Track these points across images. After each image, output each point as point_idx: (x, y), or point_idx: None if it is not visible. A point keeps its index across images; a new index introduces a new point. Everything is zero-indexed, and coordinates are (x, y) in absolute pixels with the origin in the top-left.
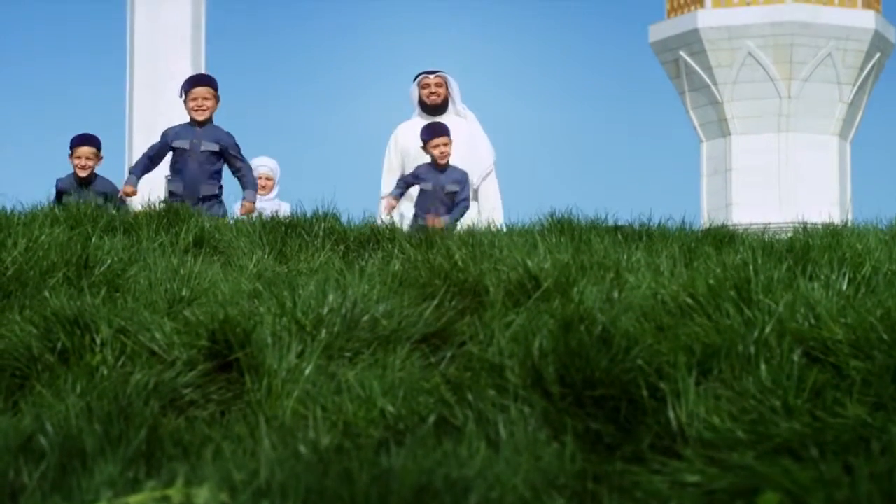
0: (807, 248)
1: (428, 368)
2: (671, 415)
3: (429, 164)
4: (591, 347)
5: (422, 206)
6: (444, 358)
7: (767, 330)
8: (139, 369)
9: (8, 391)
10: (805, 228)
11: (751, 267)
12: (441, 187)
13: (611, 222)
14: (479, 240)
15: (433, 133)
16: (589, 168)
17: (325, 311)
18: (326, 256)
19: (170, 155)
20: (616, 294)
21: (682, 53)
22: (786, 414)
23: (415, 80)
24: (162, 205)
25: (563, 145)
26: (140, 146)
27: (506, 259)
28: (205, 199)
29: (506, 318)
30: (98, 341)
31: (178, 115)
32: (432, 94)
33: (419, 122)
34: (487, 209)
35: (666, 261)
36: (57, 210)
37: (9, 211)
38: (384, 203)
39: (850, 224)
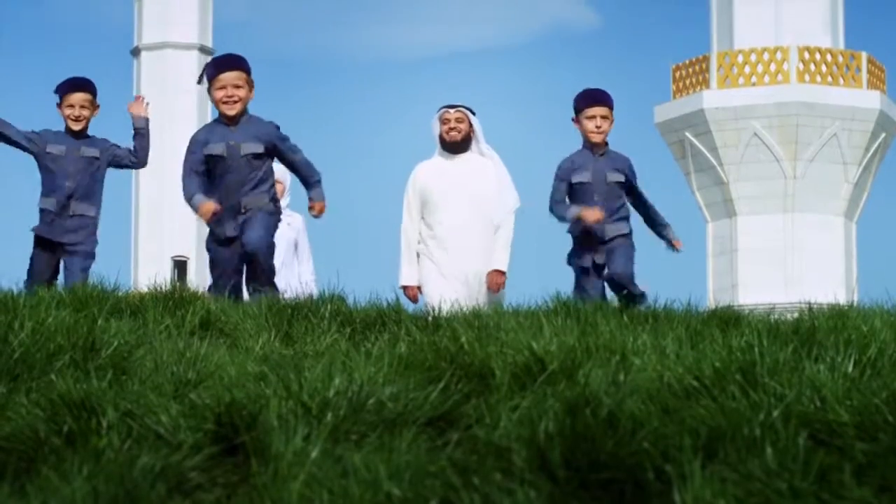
0: (812, 330)
1: (434, 451)
2: (677, 498)
3: (581, 149)
4: (597, 430)
5: (582, 201)
6: (450, 441)
7: (773, 413)
8: (145, 452)
9: (14, 474)
10: (811, 309)
11: (756, 349)
12: (602, 176)
13: (617, 304)
14: (485, 322)
15: (591, 99)
16: None
17: (332, 393)
18: (332, 339)
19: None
20: (622, 377)
21: (687, 134)
22: (792, 497)
23: (436, 113)
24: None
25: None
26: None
27: (511, 342)
28: (247, 211)
29: (512, 401)
30: (104, 424)
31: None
32: (452, 129)
33: (439, 161)
34: (496, 248)
35: (672, 343)
36: (62, 292)
37: (14, 293)
38: (593, 214)
39: (855, 305)
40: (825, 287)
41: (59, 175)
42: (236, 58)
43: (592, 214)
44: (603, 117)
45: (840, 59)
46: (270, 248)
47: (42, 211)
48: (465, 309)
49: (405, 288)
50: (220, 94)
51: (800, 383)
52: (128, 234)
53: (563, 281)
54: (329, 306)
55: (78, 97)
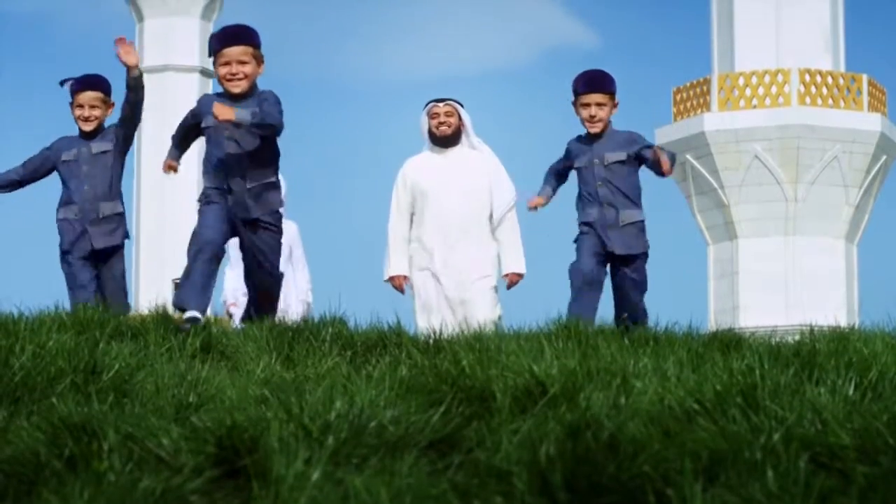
0: (813, 353)
1: (435, 475)
2: None
3: (577, 137)
4: (598, 453)
5: (585, 194)
6: (451, 464)
7: (775, 436)
8: (147, 475)
9: (15, 497)
10: (812, 332)
11: (757, 372)
12: (601, 159)
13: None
14: (486, 345)
15: (586, 85)
16: None
17: (333, 417)
18: (333, 362)
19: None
20: (623, 400)
21: (688, 157)
22: None
23: (424, 108)
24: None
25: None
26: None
27: (513, 365)
28: (253, 190)
29: (513, 424)
30: (105, 447)
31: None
32: (442, 123)
33: (429, 156)
34: (507, 249)
35: (673, 366)
36: (63, 315)
37: (15, 316)
38: (532, 201)
39: (857, 327)
40: (826, 310)
41: (76, 180)
42: (242, 30)
43: (533, 203)
44: (598, 104)
45: (841, 81)
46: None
47: (61, 222)
48: (453, 309)
49: (392, 278)
50: (223, 70)
51: (801, 406)
52: (128, 256)
53: (561, 297)
54: (330, 329)
55: (88, 96)
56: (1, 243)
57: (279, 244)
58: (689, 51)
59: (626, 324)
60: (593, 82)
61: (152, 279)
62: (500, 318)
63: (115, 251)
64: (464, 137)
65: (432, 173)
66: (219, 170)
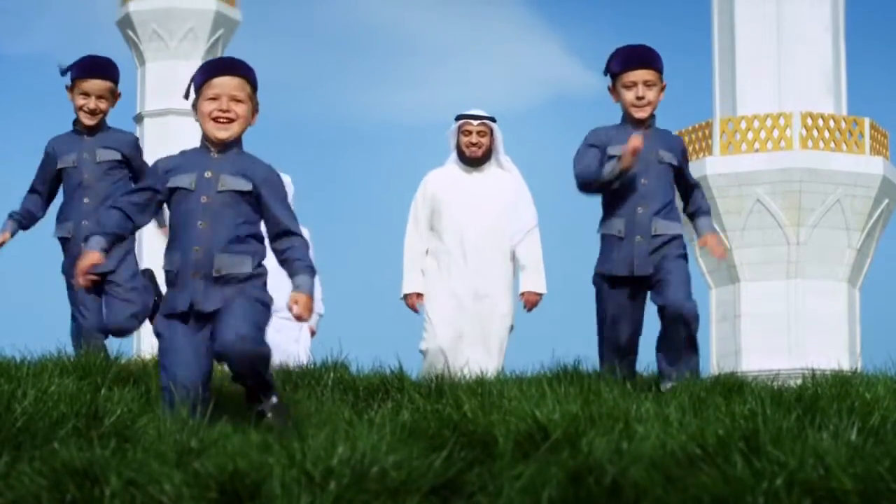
0: (815, 398)
1: None
2: None
3: (620, 123)
4: (601, 499)
5: (618, 197)
6: None
7: (777, 481)
8: None
9: None
10: (814, 376)
11: (759, 417)
12: (652, 151)
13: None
14: (487, 389)
15: (630, 60)
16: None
17: (335, 462)
18: (335, 406)
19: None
20: (625, 445)
21: None
22: None
23: (456, 120)
24: None
25: (570, 291)
26: None
27: (515, 410)
28: (223, 279)
29: (515, 469)
30: (107, 493)
31: None
32: (473, 144)
33: (454, 170)
34: (528, 268)
35: (675, 411)
36: (66, 360)
37: (18, 360)
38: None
39: (859, 371)
40: (829, 353)
41: (74, 190)
42: (240, 62)
43: (635, 140)
44: (647, 84)
45: (843, 124)
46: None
47: (62, 241)
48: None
49: (406, 296)
50: (209, 106)
51: (803, 451)
52: None
53: (564, 338)
54: (332, 374)
55: (96, 86)
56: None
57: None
58: (690, 95)
59: (681, 329)
60: (638, 57)
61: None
62: (511, 328)
63: (121, 282)
64: (493, 155)
65: (455, 190)
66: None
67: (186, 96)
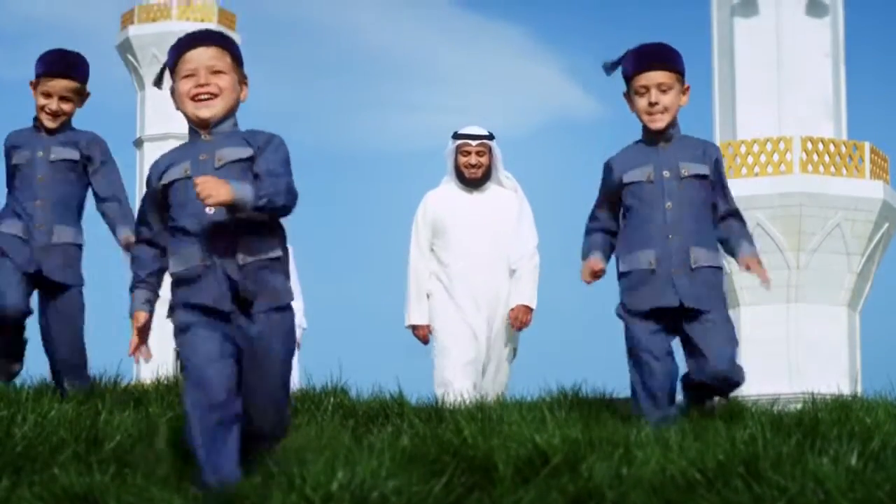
0: (815, 422)
1: None
2: None
3: (638, 141)
4: None
5: (639, 224)
6: None
7: None
8: None
9: None
10: (814, 401)
11: (759, 442)
12: (671, 168)
13: (620, 396)
14: (488, 414)
15: (642, 60)
16: (597, 341)
17: (335, 487)
18: (335, 431)
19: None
20: (625, 470)
21: None
22: None
23: (453, 138)
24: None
25: (571, 320)
26: None
27: (515, 435)
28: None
29: (515, 494)
30: None
31: None
32: (473, 166)
33: (454, 191)
34: (520, 282)
35: (675, 435)
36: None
37: (17, 385)
38: (588, 268)
39: (859, 396)
40: (829, 378)
41: (25, 188)
42: (214, 31)
43: (588, 269)
44: (662, 89)
45: (843, 149)
46: None
47: (4, 236)
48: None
49: (414, 328)
50: (186, 85)
51: (803, 476)
52: (128, 324)
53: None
54: (332, 399)
55: (59, 85)
56: None
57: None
58: (690, 119)
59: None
60: (651, 56)
61: (154, 348)
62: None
63: (68, 290)
64: (493, 173)
65: (456, 210)
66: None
67: (158, 82)
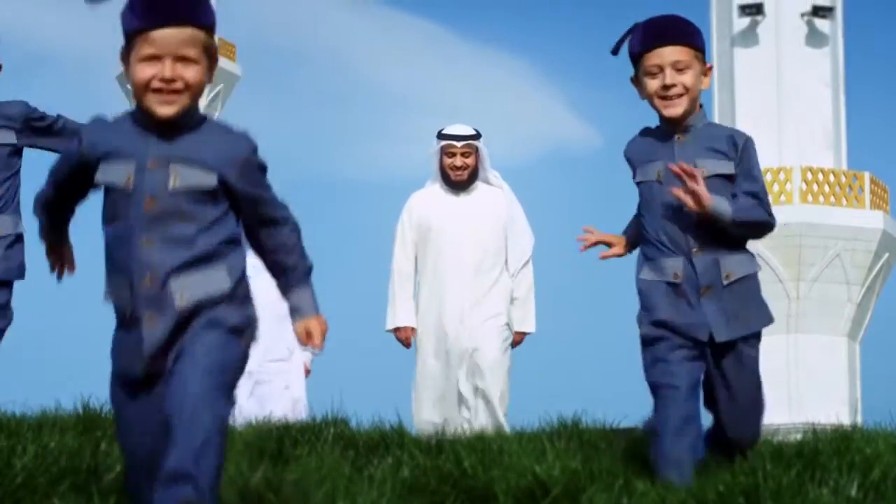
0: (815, 453)
1: None
2: None
3: (643, 131)
4: None
5: (653, 231)
6: None
7: None
8: None
9: None
10: (814, 431)
11: (760, 472)
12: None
13: (620, 426)
14: (488, 445)
15: (651, 36)
16: (596, 369)
17: None
18: (336, 462)
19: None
20: (625, 501)
21: None
22: None
23: (438, 138)
24: None
25: (569, 347)
26: None
27: (514, 465)
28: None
29: None
30: None
31: None
32: (458, 168)
33: (437, 191)
34: (518, 306)
35: None
36: (66, 415)
37: (18, 416)
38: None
39: (859, 426)
40: (829, 408)
41: None
42: (186, 1)
43: (600, 234)
44: (678, 68)
45: (843, 179)
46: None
47: None
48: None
49: (397, 330)
50: (147, 71)
51: None
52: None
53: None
54: (332, 430)
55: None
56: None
57: None
58: None
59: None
60: (664, 29)
61: None
62: (509, 369)
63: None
64: (480, 172)
65: (442, 212)
66: None
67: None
